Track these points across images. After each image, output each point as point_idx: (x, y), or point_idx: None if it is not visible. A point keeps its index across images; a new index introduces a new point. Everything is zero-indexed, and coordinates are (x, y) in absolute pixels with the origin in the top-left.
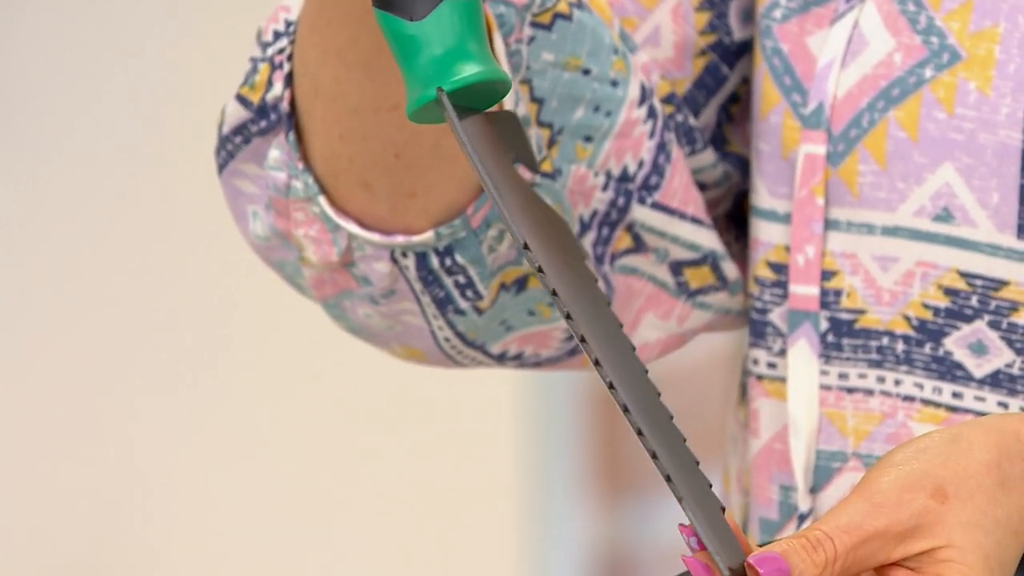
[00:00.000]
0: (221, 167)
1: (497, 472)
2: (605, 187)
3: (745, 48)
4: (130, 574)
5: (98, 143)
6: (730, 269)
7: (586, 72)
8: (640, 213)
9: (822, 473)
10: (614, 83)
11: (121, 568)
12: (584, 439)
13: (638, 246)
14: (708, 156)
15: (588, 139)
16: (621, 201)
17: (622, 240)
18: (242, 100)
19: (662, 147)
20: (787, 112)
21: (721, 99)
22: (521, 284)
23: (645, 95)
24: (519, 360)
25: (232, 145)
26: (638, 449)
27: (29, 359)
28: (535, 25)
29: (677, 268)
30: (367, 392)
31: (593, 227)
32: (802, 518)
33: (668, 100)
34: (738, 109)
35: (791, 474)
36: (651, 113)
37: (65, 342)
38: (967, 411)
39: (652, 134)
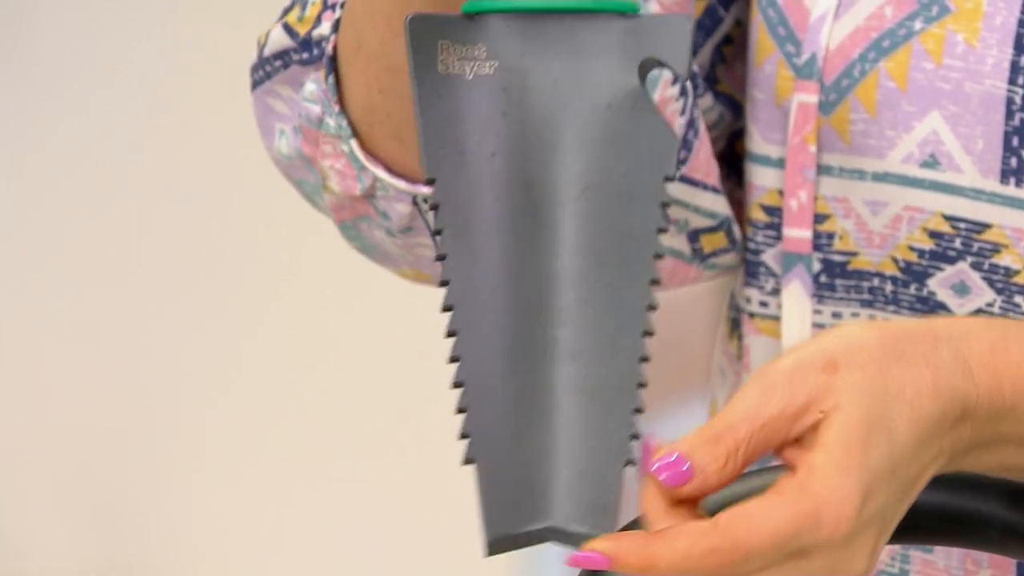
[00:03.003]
0: (256, 84)
1: None
2: None
3: None
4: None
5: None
6: (738, 231)
7: None
8: (668, 187)
9: None
10: None
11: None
12: None
13: None
14: (707, 100)
15: None
16: None
17: None
18: (288, 29)
19: (691, 124)
20: (781, 62)
21: (716, 40)
22: None
23: (677, 75)
24: None
25: (271, 67)
26: None
27: (33, 357)
28: None
29: (694, 236)
30: (357, 329)
31: None
32: None
33: None
34: (730, 50)
35: None
36: (682, 91)
37: (71, 332)
38: None
39: (683, 111)
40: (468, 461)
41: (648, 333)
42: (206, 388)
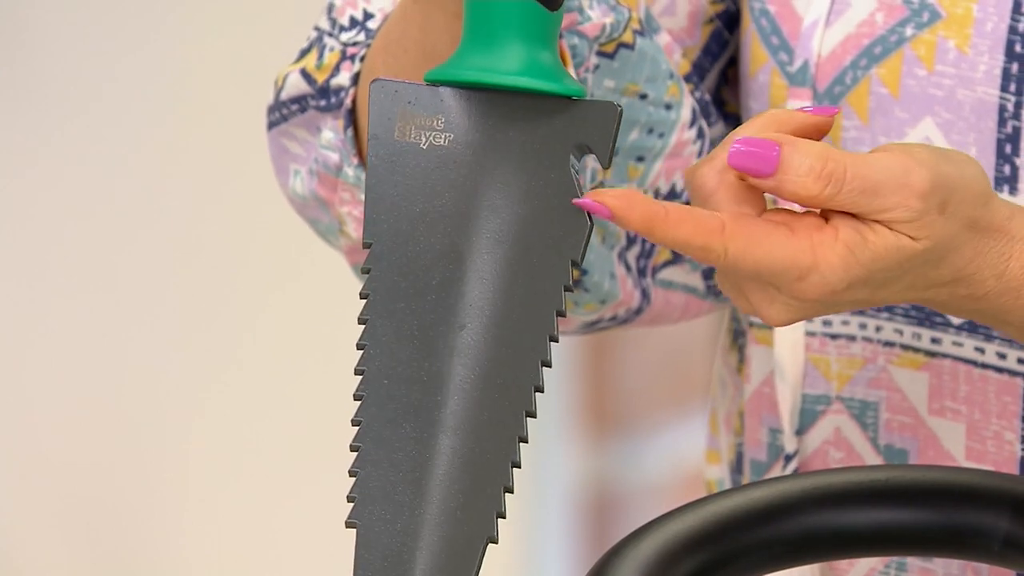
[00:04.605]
0: (271, 125)
1: None
2: None
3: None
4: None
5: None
6: None
7: (643, 97)
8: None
9: (807, 416)
10: (668, 107)
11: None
12: (572, 378)
13: (676, 257)
14: (719, 128)
15: (640, 159)
16: None
17: (662, 253)
18: (306, 76)
19: None
20: (774, 71)
21: (722, 64)
22: None
23: (695, 117)
24: None
25: (287, 110)
26: (624, 388)
27: (36, 354)
28: (600, 54)
29: (708, 273)
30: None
31: (638, 241)
32: (788, 458)
33: (688, 79)
34: (734, 72)
35: (779, 417)
36: (700, 134)
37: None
38: (945, 356)
39: (700, 153)
40: (350, 525)
41: (530, 414)
42: (203, 390)
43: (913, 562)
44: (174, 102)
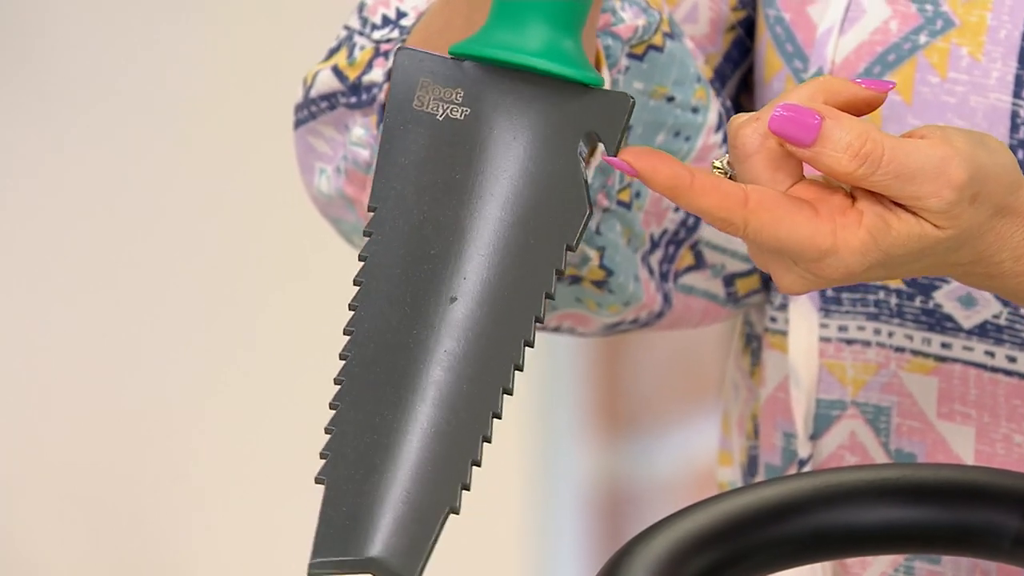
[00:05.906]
0: (299, 123)
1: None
2: (677, 208)
3: None
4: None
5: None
6: None
7: (670, 99)
8: (706, 231)
9: (822, 421)
10: (695, 110)
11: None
12: (585, 377)
13: (699, 263)
14: None
15: None
16: (691, 221)
17: (685, 258)
18: (338, 73)
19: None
20: (789, 78)
21: (743, 71)
22: (575, 278)
23: (721, 121)
24: (556, 330)
25: (316, 108)
26: (636, 387)
27: (37, 354)
28: (630, 56)
29: (730, 280)
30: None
31: (661, 245)
32: (801, 463)
33: (710, 84)
34: (752, 79)
35: (793, 422)
36: (726, 138)
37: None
38: (956, 360)
39: None
40: (319, 481)
41: (507, 391)
42: (206, 390)
43: (921, 566)
44: (179, 102)
